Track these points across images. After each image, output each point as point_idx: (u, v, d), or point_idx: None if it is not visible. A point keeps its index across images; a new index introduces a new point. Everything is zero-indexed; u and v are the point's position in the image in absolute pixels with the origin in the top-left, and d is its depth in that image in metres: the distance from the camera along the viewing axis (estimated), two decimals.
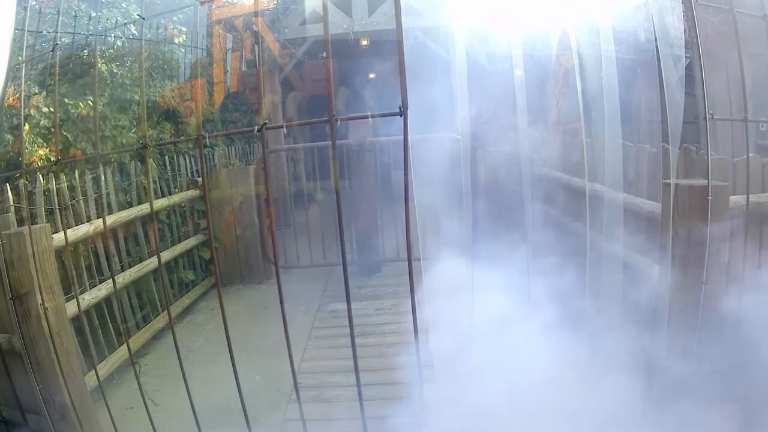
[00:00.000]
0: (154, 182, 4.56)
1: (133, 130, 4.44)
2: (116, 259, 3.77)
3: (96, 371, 2.71)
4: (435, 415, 2.46)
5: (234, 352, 1.81)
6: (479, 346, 2.79)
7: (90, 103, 3.92)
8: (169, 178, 4.84)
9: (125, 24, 4.66)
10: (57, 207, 3.14)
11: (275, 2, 7.07)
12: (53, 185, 3.13)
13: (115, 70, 4.46)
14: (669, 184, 2.45)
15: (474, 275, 2.99)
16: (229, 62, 6.77)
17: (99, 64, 4.26)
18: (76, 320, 2.98)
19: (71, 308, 2.82)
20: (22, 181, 2.86)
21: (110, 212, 3.77)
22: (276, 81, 7.41)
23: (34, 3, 4.08)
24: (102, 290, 3.36)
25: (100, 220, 3.48)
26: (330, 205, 4.93)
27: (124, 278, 3.71)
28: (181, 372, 1.94)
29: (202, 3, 5.47)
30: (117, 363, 3.33)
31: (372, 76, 9.46)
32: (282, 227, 6.09)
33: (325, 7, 1.71)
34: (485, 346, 2.78)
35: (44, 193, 3.11)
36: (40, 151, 3.58)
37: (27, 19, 3.51)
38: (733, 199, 2.45)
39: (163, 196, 4.63)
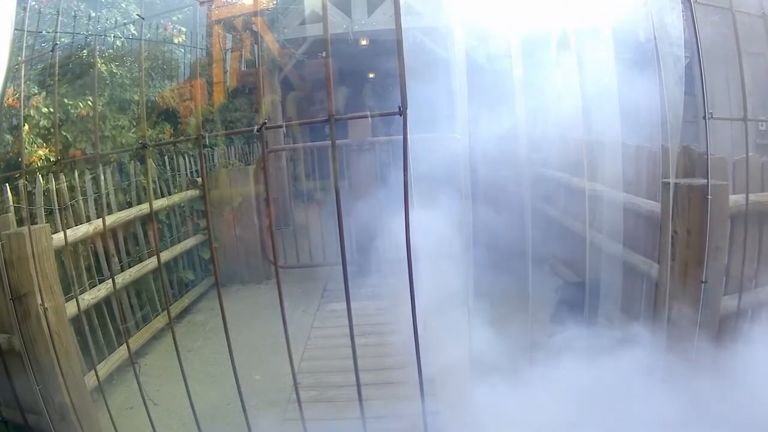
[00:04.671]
0: (154, 182, 4.56)
1: (133, 130, 4.44)
2: (116, 259, 3.77)
3: (96, 371, 2.71)
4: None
5: (234, 352, 1.81)
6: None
7: (89, 103, 3.91)
8: (168, 178, 4.83)
9: (125, 24, 4.65)
10: (57, 207, 3.13)
11: (274, 2, 7.07)
12: (53, 185, 3.13)
13: (114, 70, 4.46)
14: (669, 183, 2.45)
15: (472, 276, 2.99)
16: (228, 62, 6.77)
17: (98, 64, 4.25)
18: (75, 320, 2.97)
19: (71, 308, 2.82)
20: (21, 182, 2.86)
21: (110, 212, 3.77)
22: (275, 81, 7.41)
23: (33, 3, 4.08)
24: (102, 290, 3.36)
25: (100, 220, 3.47)
26: (329, 205, 4.93)
27: (123, 278, 3.70)
28: (181, 372, 1.94)
29: (201, 3, 5.46)
30: (117, 363, 3.33)
31: (371, 75, 9.46)
32: (282, 227, 6.09)
33: (324, 6, 1.71)
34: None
35: (44, 194, 3.11)
36: (40, 152, 3.58)
37: (26, 19, 3.52)
38: (732, 198, 2.45)
39: (163, 196, 4.63)
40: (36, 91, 3.75)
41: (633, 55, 2.93)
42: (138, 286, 4.01)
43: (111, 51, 4.62)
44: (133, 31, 4.70)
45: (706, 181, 2.25)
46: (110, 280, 3.41)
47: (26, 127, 3.53)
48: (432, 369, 2.92)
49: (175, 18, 5.73)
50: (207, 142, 5.64)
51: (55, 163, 3.06)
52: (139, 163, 4.25)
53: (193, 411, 1.97)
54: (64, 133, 3.85)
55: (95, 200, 3.56)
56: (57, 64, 2.73)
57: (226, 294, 4.82)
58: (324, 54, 1.60)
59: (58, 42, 3.77)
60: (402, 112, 1.46)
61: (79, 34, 4.29)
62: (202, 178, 4.64)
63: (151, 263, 4.02)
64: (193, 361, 3.55)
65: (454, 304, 2.85)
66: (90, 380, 2.78)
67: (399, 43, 1.46)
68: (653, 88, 2.48)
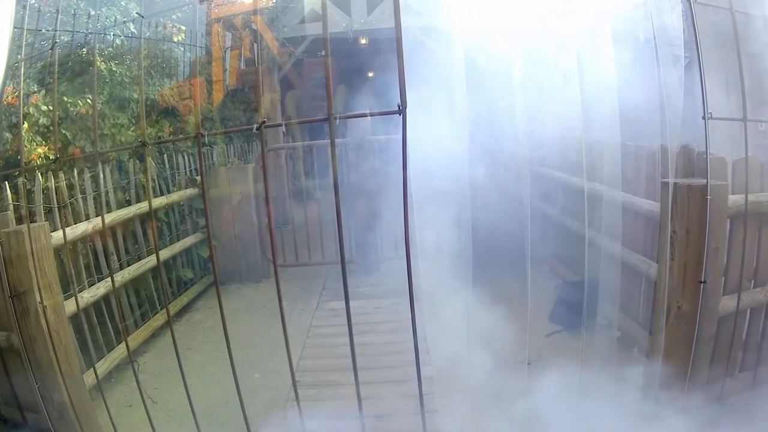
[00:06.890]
0: (153, 180, 4.56)
1: (132, 129, 4.44)
2: (115, 257, 3.77)
3: (95, 369, 2.71)
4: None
5: (232, 351, 1.81)
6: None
7: (89, 101, 3.91)
8: (167, 177, 4.83)
9: (124, 22, 4.65)
10: (56, 205, 3.13)
11: (274, 1, 7.07)
12: (52, 183, 3.13)
13: (114, 69, 4.46)
14: (668, 183, 2.45)
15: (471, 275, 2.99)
16: (227, 60, 6.77)
17: (98, 63, 4.25)
18: (74, 318, 2.97)
19: (70, 306, 2.82)
20: (21, 180, 2.85)
21: (109, 210, 3.77)
22: (275, 79, 7.40)
23: (33, 1, 4.07)
24: (101, 288, 3.36)
25: (99, 218, 3.47)
26: (329, 204, 4.93)
27: (122, 276, 3.70)
28: (180, 370, 1.95)
29: (201, 1, 5.47)
30: (116, 361, 3.33)
31: (371, 74, 9.45)
32: (281, 225, 6.09)
33: (324, 5, 1.70)
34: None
35: (43, 192, 3.10)
36: (39, 150, 3.57)
37: (26, 17, 3.50)
38: (731, 198, 2.45)
39: (162, 195, 4.63)
40: (35, 89, 3.75)
41: (632, 55, 2.93)
42: (137, 285, 4.01)
43: (110, 49, 4.61)
44: (133, 30, 4.69)
45: (705, 181, 2.26)
46: (109, 278, 3.41)
47: (25, 125, 3.53)
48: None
49: (174, 16, 5.73)
50: (206, 141, 5.63)
51: (55, 161, 3.06)
52: (138, 162, 4.25)
53: (192, 409, 1.97)
54: (64, 131, 3.85)
55: (94, 198, 3.56)
56: (56, 62, 2.73)
57: (225, 292, 4.82)
58: (323, 52, 1.60)
59: (57, 40, 3.76)
60: (401, 111, 1.46)
61: (79, 32, 4.29)
62: (201, 177, 4.64)
63: (150, 261, 4.02)
64: (191, 360, 3.54)
65: (453, 301, 2.86)
66: (89, 378, 2.78)
67: (398, 41, 1.46)
68: (653, 88, 2.48)
